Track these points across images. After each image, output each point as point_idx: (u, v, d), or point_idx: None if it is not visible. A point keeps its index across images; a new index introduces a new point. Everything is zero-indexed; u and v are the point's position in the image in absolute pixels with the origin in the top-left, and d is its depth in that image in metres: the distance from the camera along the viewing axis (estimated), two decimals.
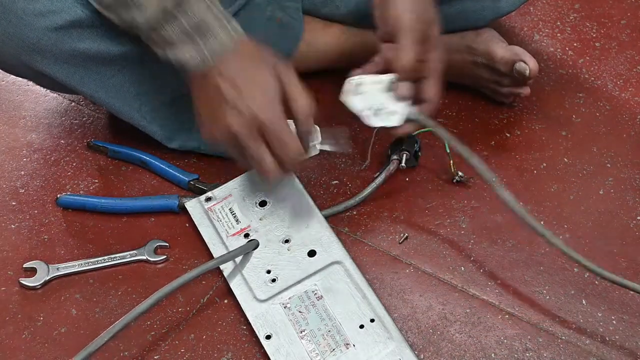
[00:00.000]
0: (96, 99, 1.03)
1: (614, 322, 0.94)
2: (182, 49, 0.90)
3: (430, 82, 0.97)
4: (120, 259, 1.00)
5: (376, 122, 0.97)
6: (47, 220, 1.05)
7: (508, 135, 1.15)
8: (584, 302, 0.96)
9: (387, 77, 0.96)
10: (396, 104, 0.97)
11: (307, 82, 1.18)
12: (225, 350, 0.93)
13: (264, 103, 0.89)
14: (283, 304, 0.93)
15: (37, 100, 1.20)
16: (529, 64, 1.09)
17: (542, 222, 1.04)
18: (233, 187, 1.04)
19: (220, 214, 1.02)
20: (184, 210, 1.04)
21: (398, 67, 0.95)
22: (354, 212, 1.05)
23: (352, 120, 1.15)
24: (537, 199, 1.07)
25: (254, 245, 0.98)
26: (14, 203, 1.07)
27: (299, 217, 1.01)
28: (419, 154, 1.09)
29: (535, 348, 0.92)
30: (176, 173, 1.08)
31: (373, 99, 0.97)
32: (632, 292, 0.97)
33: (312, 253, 0.97)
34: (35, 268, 0.99)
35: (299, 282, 0.95)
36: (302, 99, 0.91)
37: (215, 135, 0.92)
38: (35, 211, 1.06)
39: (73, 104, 1.19)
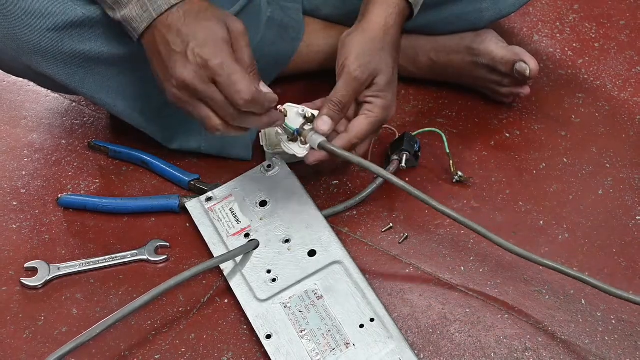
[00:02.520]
0: (97, 100, 1.03)
1: (614, 322, 0.95)
2: (130, 8, 0.90)
3: (360, 119, 0.97)
4: (121, 258, 1.01)
5: (287, 147, 0.98)
6: (48, 220, 1.05)
7: (508, 135, 1.15)
8: (583, 302, 0.96)
9: (311, 110, 0.98)
10: (310, 136, 0.96)
11: (307, 82, 1.19)
12: (225, 350, 0.93)
13: (212, 48, 0.87)
14: (283, 304, 0.93)
15: (38, 100, 1.20)
16: (529, 64, 1.09)
17: (541, 222, 1.04)
18: (233, 187, 1.04)
19: (221, 214, 1.02)
20: (184, 210, 1.04)
21: (326, 102, 0.96)
22: (354, 212, 1.05)
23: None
24: (537, 199, 1.07)
25: (254, 245, 0.99)
26: (15, 203, 1.07)
27: (299, 217, 1.01)
28: (419, 154, 1.09)
29: (535, 348, 0.93)
30: (177, 173, 1.08)
31: (293, 123, 0.97)
32: (631, 292, 0.97)
33: (312, 253, 0.98)
34: (36, 268, 0.99)
35: (299, 281, 0.95)
36: (245, 53, 0.89)
37: (171, 90, 0.89)
38: (37, 211, 1.06)
39: (74, 104, 1.19)
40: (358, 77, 0.96)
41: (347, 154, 0.96)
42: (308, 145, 0.97)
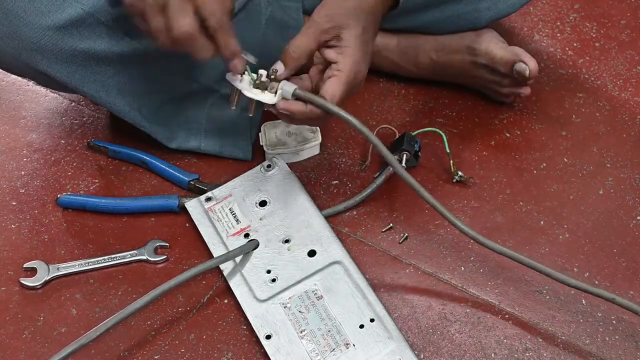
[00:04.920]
0: (96, 98, 1.03)
1: (614, 322, 0.94)
2: None
3: (330, 81, 0.92)
4: (121, 259, 1.00)
5: (252, 94, 0.91)
6: (47, 220, 1.05)
7: (508, 135, 1.15)
8: (583, 302, 0.96)
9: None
10: (281, 85, 0.91)
11: None
12: (225, 350, 0.93)
13: None
14: (283, 304, 0.93)
15: (38, 100, 1.20)
16: (528, 65, 1.09)
17: (541, 222, 1.04)
18: (233, 187, 1.04)
19: (221, 214, 1.02)
20: (184, 210, 1.04)
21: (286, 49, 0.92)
22: (354, 212, 1.05)
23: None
24: (537, 199, 1.07)
25: (254, 245, 0.98)
26: (14, 203, 1.07)
27: (299, 217, 1.01)
28: (419, 154, 1.09)
29: (535, 348, 0.92)
30: (176, 173, 1.08)
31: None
32: (631, 292, 0.97)
33: (312, 253, 0.98)
34: (35, 268, 0.99)
35: (299, 282, 0.95)
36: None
37: None
38: (36, 211, 1.06)
39: (73, 104, 1.19)
40: (320, 23, 0.91)
41: (324, 102, 0.90)
42: (278, 95, 0.91)
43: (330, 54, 0.92)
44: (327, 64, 0.93)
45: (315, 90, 0.93)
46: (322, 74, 0.94)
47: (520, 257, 0.95)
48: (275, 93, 0.91)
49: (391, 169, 1.05)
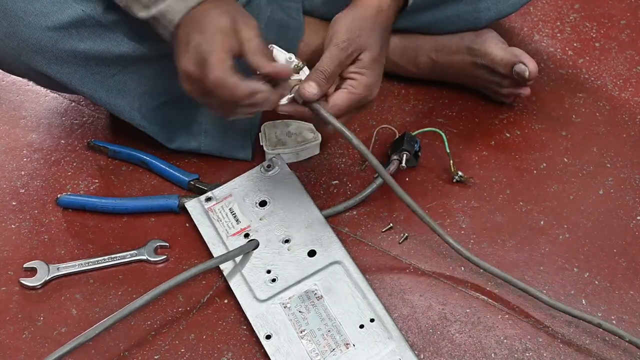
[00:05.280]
0: (96, 99, 1.03)
1: (614, 322, 0.94)
2: (168, 2, 0.89)
3: (340, 92, 0.93)
4: (121, 259, 1.00)
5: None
6: (47, 220, 1.05)
7: (508, 135, 1.15)
8: (584, 302, 0.96)
9: (298, 60, 0.93)
10: (297, 88, 0.92)
11: None
12: (225, 350, 0.93)
13: (211, 61, 0.86)
14: (283, 304, 0.93)
15: (38, 100, 1.20)
16: (528, 66, 1.09)
17: (542, 222, 1.04)
18: (233, 187, 1.04)
19: (221, 214, 1.02)
20: (184, 210, 1.04)
21: (313, 70, 0.93)
22: (354, 212, 1.05)
23: (351, 120, 1.16)
24: (537, 199, 1.07)
25: (254, 245, 0.98)
26: (14, 203, 1.07)
27: (299, 217, 1.01)
28: (419, 154, 1.09)
29: (535, 348, 0.92)
30: (176, 173, 1.08)
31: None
32: (631, 292, 0.97)
33: (312, 253, 0.98)
34: (35, 268, 0.99)
35: (299, 282, 0.95)
36: (253, 44, 0.88)
37: (180, 81, 0.91)
38: (36, 211, 1.06)
39: (73, 104, 1.19)
40: (345, 49, 0.92)
41: (330, 117, 0.91)
42: (291, 95, 0.92)
43: (346, 72, 0.93)
44: (342, 76, 0.94)
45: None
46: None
47: (507, 277, 0.96)
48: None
49: (391, 168, 1.05)
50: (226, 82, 0.86)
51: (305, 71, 0.92)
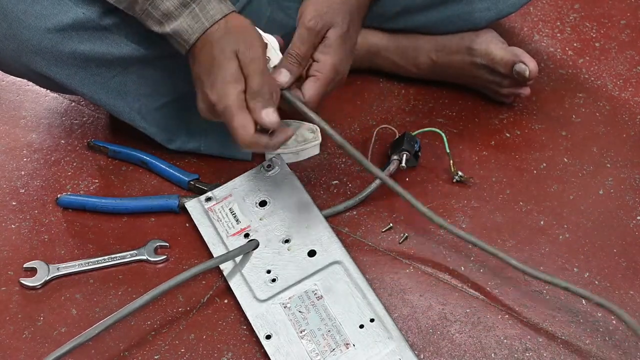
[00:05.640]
0: (96, 100, 1.03)
1: (614, 322, 0.94)
2: (180, 20, 0.90)
3: (308, 84, 0.94)
4: (121, 259, 1.00)
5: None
6: (47, 220, 1.05)
7: (508, 135, 1.15)
8: (584, 302, 0.96)
9: (268, 36, 0.94)
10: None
11: None
12: (225, 350, 0.93)
13: (220, 89, 0.89)
14: (283, 304, 0.93)
15: (37, 100, 1.20)
16: (528, 65, 1.09)
17: (541, 222, 1.04)
18: (233, 187, 1.04)
19: (220, 214, 1.02)
20: (184, 210, 1.04)
21: (284, 55, 0.94)
22: (354, 212, 1.05)
23: (351, 120, 1.16)
24: (537, 199, 1.07)
25: (254, 245, 0.98)
26: (14, 203, 1.07)
27: (299, 217, 1.01)
28: (419, 154, 1.09)
29: (535, 348, 0.92)
30: (176, 173, 1.08)
31: None
32: (631, 292, 0.97)
33: (312, 253, 0.98)
34: (35, 268, 0.99)
35: (299, 282, 0.95)
36: (254, 81, 0.89)
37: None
38: (36, 211, 1.06)
39: (73, 104, 1.19)
40: (312, 27, 0.92)
41: (306, 109, 0.92)
42: None
43: (314, 53, 0.94)
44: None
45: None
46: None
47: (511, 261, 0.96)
48: None
49: (391, 168, 1.05)
50: (236, 124, 0.89)
51: (273, 59, 0.93)
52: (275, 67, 0.93)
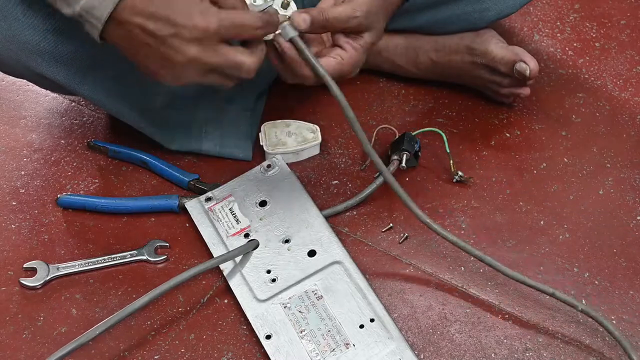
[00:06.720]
0: (96, 101, 1.03)
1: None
2: None
3: (328, 60, 0.90)
4: (121, 259, 1.00)
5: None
6: (47, 220, 1.05)
7: (508, 135, 1.15)
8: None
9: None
10: (284, 25, 0.88)
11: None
12: (225, 350, 0.93)
13: (200, 32, 0.82)
14: (283, 304, 0.93)
15: (38, 100, 1.20)
16: (529, 64, 1.09)
17: (542, 222, 1.04)
18: (233, 187, 1.04)
19: (220, 214, 1.02)
20: (184, 210, 1.04)
21: (315, 7, 0.91)
22: (354, 212, 1.05)
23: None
24: (537, 199, 1.07)
25: (254, 245, 0.98)
26: (14, 203, 1.07)
27: (299, 217, 1.01)
28: (419, 153, 1.09)
29: (535, 348, 0.92)
30: (176, 173, 1.08)
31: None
32: (631, 292, 0.97)
33: (312, 253, 0.98)
34: (35, 268, 0.99)
35: (299, 282, 0.95)
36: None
37: (177, 74, 0.86)
38: (36, 211, 1.06)
39: (73, 104, 1.19)
40: (356, 17, 0.90)
41: (314, 61, 0.88)
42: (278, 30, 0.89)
43: (341, 40, 0.92)
44: (332, 42, 0.92)
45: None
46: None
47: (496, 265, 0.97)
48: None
49: (391, 168, 1.05)
50: (231, 65, 0.84)
51: (293, 7, 0.89)
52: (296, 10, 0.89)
